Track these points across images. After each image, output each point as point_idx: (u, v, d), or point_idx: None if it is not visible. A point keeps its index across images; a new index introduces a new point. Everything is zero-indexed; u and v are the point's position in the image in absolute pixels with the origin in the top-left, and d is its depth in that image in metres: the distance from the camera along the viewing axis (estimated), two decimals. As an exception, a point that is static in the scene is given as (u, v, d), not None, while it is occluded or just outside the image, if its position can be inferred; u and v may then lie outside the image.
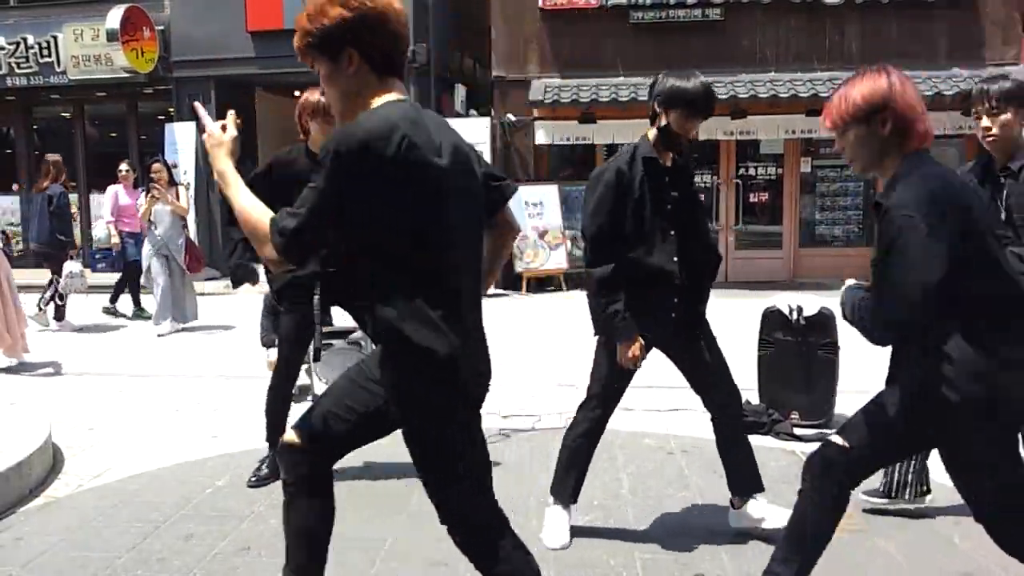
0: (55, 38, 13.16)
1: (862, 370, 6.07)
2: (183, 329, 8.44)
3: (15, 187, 14.70)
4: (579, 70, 11.73)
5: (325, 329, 5.51)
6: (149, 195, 8.20)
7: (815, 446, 4.38)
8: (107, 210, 9.27)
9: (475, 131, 11.82)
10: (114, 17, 12.14)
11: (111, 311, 9.33)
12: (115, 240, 9.18)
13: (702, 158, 12.25)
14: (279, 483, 3.85)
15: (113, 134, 14.85)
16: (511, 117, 11.92)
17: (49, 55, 13.22)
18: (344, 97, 1.98)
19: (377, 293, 1.92)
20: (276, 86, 14.10)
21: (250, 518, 3.48)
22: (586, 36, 11.84)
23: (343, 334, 5.49)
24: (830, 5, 11.43)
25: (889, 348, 2.31)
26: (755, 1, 11.50)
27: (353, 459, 4.14)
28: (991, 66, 11.23)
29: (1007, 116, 3.00)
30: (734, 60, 11.63)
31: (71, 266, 8.41)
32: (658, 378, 5.74)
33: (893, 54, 11.43)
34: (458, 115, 12.32)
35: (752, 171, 12.29)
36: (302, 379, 5.64)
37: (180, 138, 12.74)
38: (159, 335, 8.21)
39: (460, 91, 12.69)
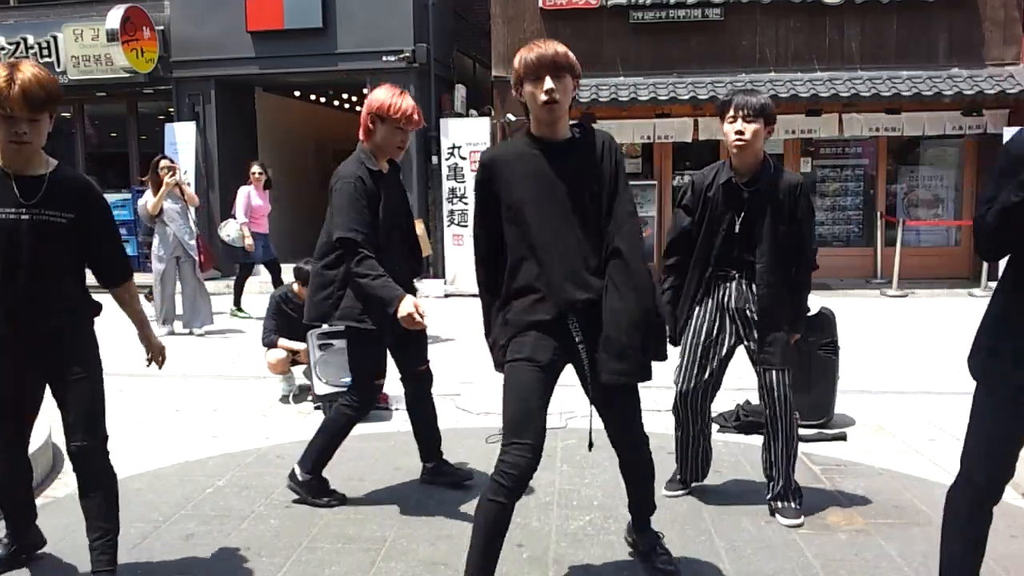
0: (55, 38, 13.16)
1: (862, 370, 6.10)
2: (195, 333, 8.33)
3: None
4: (579, 70, 11.72)
5: (326, 329, 5.52)
6: (162, 184, 8.03)
7: (815, 446, 4.40)
8: (240, 211, 9.22)
9: (475, 131, 11.83)
10: (114, 17, 12.14)
11: (239, 313, 9.46)
12: (248, 241, 9.15)
13: (702, 158, 12.27)
14: (279, 484, 3.86)
15: (113, 134, 14.85)
16: (511, 117, 11.91)
17: (49, 55, 13.22)
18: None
19: None
20: (276, 86, 14.11)
21: (250, 518, 3.48)
22: (586, 36, 11.83)
23: (343, 334, 5.49)
24: (830, 5, 11.43)
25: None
26: (755, 1, 11.50)
27: (353, 460, 4.14)
28: (991, 66, 11.24)
29: (757, 126, 3.24)
30: (734, 60, 11.63)
31: None
32: (657, 378, 5.75)
33: (893, 54, 11.45)
34: (458, 115, 12.32)
35: (752, 171, 12.27)
36: (301, 380, 5.67)
37: (180, 138, 12.74)
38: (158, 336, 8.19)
39: (460, 91, 12.68)
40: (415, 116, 3.48)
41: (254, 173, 9.46)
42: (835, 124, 11.17)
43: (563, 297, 2.54)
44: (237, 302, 9.55)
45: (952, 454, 4.27)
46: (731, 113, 3.27)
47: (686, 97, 10.83)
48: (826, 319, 4.72)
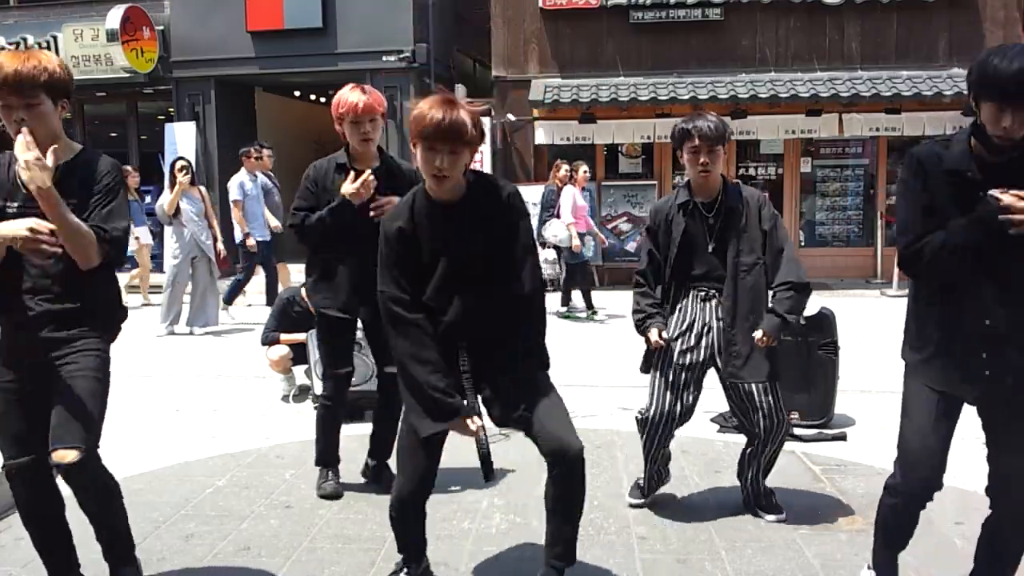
0: (55, 38, 13.16)
1: (862, 370, 6.10)
2: (195, 333, 8.33)
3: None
4: (579, 70, 11.73)
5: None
6: (176, 184, 8.09)
7: (815, 446, 4.40)
8: (566, 211, 8.93)
9: (475, 131, 11.81)
10: (114, 17, 12.15)
11: (572, 314, 9.10)
12: (576, 242, 8.88)
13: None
14: (279, 483, 3.86)
15: (113, 134, 14.86)
16: (511, 117, 11.92)
17: (49, 55, 13.23)
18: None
19: None
20: (276, 86, 14.12)
21: (250, 518, 3.48)
22: (586, 36, 11.84)
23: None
24: (830, 5, 11.44)
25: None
26: (755, 1, 11.50)
27: (353, 460, 4.14)
28: (991, 66, 11.24)
29: (719, 153, 3.23)
30: (734, 60, 11.64)
31: None
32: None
33: (893, 54, 11.46)
34: (458, 115, 12.30)
35: (752, 171, 12.29)
36: (302, 380, 5.66)
37: (180, 138, 12.74)
38: (158, 336, 8.21)
39: (460, 91, 12.67)
40: (360, 105, 3.49)
41: (585, 172, 9.34)
42: (835, 124, 11.17)
43: None
44: (566, 303, 9.22)
45: (951, 454, 4.27)
46: (694, 143, 3.18)
47: (686, 97, 10.83)
48: (826, 319, 4.72)
